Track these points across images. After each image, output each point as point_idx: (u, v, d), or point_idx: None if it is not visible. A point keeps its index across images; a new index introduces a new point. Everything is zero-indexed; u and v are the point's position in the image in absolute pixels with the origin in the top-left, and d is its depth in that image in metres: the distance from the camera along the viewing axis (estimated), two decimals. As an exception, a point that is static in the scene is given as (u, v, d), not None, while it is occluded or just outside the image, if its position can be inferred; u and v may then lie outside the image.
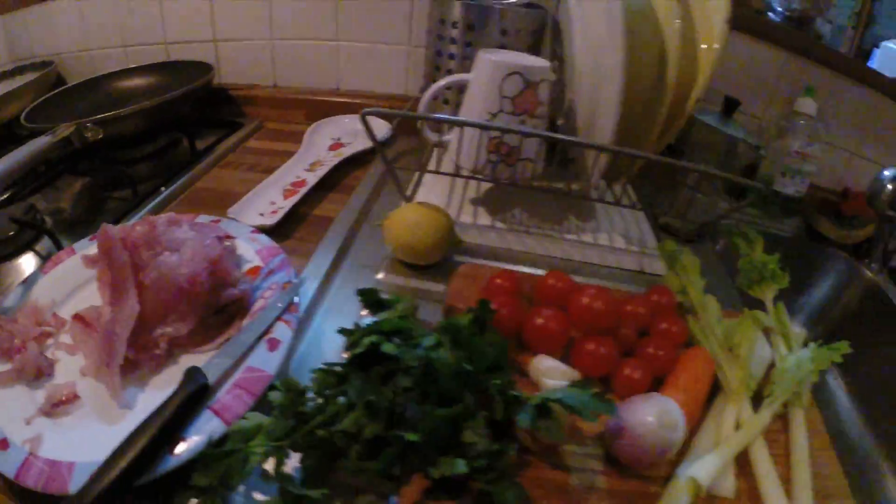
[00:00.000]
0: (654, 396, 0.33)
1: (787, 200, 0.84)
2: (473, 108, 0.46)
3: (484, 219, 0.53)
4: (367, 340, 0.29)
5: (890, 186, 0.65)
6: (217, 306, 0.39)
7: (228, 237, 0.45)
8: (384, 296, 0.35)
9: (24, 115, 0.64)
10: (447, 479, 0.27)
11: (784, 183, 0.80)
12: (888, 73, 0.85)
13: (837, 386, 0.68)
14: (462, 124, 0.45)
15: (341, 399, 0.28)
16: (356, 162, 0.67)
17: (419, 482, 0.28)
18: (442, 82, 0.46)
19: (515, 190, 0.55)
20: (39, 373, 0.35)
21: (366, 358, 0.30)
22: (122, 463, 0.26)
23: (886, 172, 0.65)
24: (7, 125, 0.71)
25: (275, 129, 0.79)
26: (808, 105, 0.77)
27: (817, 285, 0.81)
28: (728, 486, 0.34)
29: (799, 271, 0.81)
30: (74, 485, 0.27)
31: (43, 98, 0.68)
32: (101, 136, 0.56)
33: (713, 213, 0.66)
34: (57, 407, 0.32)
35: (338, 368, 0.30)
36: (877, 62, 0.96)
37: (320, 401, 0.29)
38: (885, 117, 0.83)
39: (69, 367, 0.36)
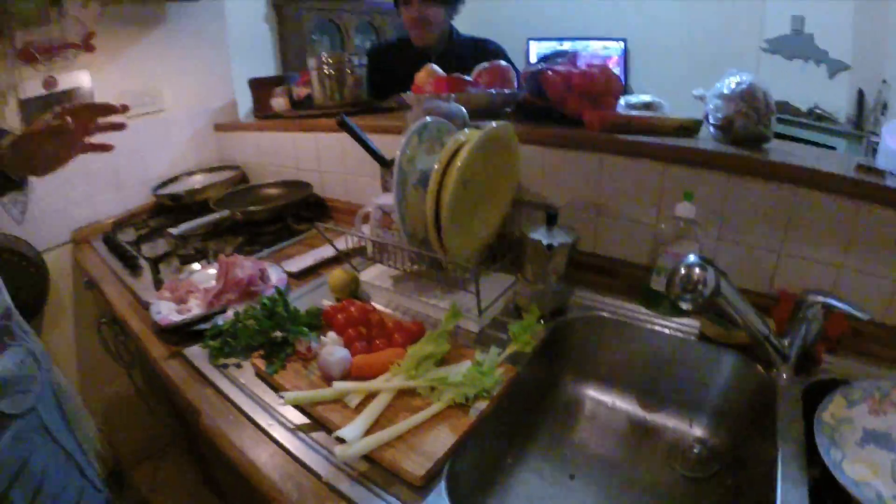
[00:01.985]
0: (337, 347, 1.05)
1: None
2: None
3: (386, 283, 1.33)
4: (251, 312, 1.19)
5: (683, 271, 0.89)
6: (250, 293, 1.34)
7: (265, 270, 1.40)
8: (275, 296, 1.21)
9: (213, 202, 1.80)
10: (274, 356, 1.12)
11: (660, 282, 1.16)
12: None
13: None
14: (352, 234, 1.32)
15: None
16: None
17: (258, 356, 1.10)
18: (359, 216, 1.32)
19: (415, 273, 1.35)
20: (182, 301, 1.35)
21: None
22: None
23: (692, 258, 0.91)
24: (205, 201, 1.90)
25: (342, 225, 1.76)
26: (685, 209, 1.10)
27: (714, 383, 1.12)
28: (353, 401, 0.94)
29: (695, 370, 1.14)
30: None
31: (227, 192, 1.85)
32: (243, 219, 1.64)
33: (561, 299, 1.24)
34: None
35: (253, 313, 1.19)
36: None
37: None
38: (797, 208, 1.07)
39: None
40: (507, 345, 1.09)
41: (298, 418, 0.96)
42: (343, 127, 1.37)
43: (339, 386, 0.97)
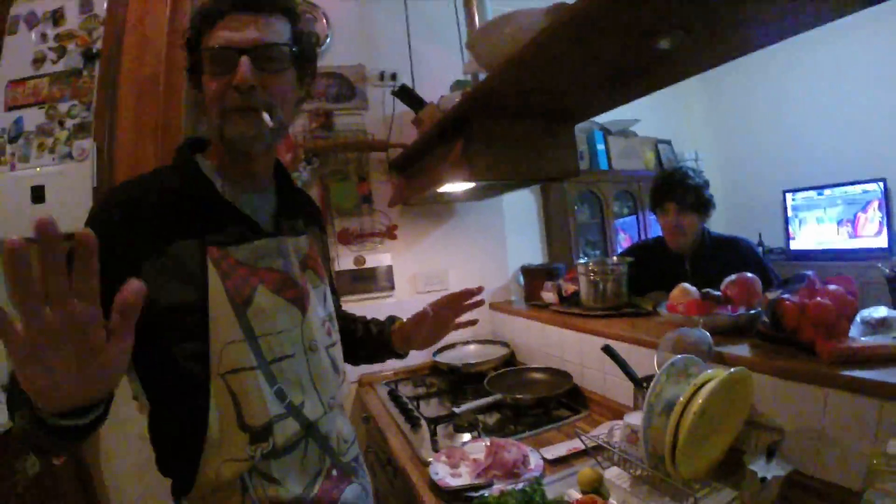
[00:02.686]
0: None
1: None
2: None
3: (625, 483, 1.64)
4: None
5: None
6: (513, 473, 1.74)
7: (527, 456, 1.77)
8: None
9: (486, 381, 2.30)
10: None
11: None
12: None
13: None
14: (602, 444, 1.68)
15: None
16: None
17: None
18: (611, 428, 1.69)
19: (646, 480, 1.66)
20: (455, 466, 1.82)
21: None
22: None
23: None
24: (481, 375, 2.44)
25: (597, 419, 2.08)
26: (895, 447, 1.16)
27: None
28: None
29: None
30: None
31: (498, 371, 2.37)
32: (511, 402, 2.08)
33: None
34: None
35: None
36: None
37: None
38: None
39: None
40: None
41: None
42: (606, 352, 1.77)
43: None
